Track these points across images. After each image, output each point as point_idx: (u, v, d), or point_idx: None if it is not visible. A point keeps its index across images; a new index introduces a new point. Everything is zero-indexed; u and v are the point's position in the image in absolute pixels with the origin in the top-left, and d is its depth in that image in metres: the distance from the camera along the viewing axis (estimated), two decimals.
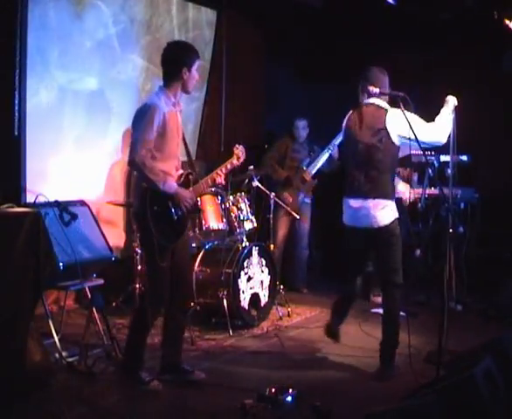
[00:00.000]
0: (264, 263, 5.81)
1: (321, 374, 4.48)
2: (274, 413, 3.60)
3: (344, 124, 4.62)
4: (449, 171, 5.30)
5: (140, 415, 3.74)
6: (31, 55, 5.24)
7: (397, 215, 4.44)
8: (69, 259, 4.41)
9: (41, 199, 4.42)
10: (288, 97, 8.03)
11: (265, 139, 7.85)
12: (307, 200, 7.10)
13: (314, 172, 6.69)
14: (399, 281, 4.41)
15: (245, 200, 5.91)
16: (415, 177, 6.64)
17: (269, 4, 7.18)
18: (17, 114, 5.23)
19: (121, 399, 3.90)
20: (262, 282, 5.77)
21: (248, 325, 5.53)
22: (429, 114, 4.40)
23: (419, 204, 6.20)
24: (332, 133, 5.51)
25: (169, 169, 4.03)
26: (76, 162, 5.80)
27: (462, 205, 6.35)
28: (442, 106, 4.46)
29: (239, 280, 5.51)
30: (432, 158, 6.18)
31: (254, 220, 5.92)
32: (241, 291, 5.52)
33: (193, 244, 5.73)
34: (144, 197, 3.95)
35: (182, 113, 4.17)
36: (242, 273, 5.55)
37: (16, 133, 5.25)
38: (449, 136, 4.52)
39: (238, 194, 5.92)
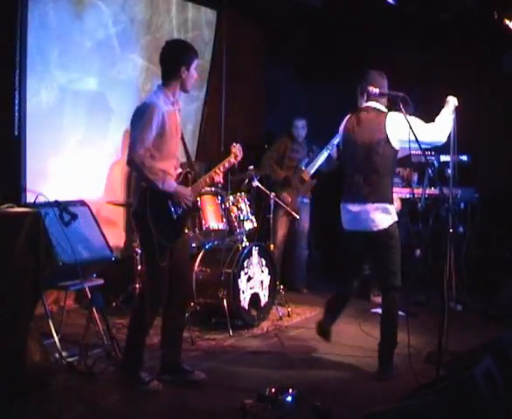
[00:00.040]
0: (264, 263, 5.81)
1: (321, 374, 4.48)
2: (274, 413, 3.60)
3: (342, 128, 4.62)
4: (449, 171, 5.31)
5: (140, 415, 3.74)
6: (31, 55, 5.24)
7: (396, 218, 4.45)
8: (69, 259, 4.41)
9: (41, 199, 4.42)
10: (288, 97, 8.04)
11: (265, 139, 7.86)
12: (306, 200, 7.11)
13: (312, 172, 6.70)
14: (398, 284, 4.41)
15: (245, 200, 5.91)
16: (415, 177, 6.64)
17: (269, 4, 7.18)
18: (17, 114, 5.23)
19: (121, 399, 3.90)
20: (262, 282, 5.77)
21: (248, 325, 5.53)
22: (429, 114, 4.40)
23: (419, 204, 6.20)
24: (332, 134, 5.51)
25: (168, 168, 4.03)
26: (76, 162, 5.80)
27: (462, 205, 6.35)
28: (442, 107, 4.46)
29: (239, 280, 5.51)
30: (432, 158, 6.18)
31: (254, 220, 5.92)
32: (241, 291, 5.52)
33: (193, 244, 5.73)
34: (144, 197, 3.94)
35: (181, 113, 4.17)
36: (242, 273, 5.55)
37: (16, 133, 5.26)
38: (449, 136, 4.53)
39: (238, 194, 5.92)
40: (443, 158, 6.18)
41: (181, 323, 4.27)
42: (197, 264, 5.64)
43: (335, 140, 5.53)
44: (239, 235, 5.77)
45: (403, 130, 4.24)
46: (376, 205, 4.36)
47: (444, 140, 4.40)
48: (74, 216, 4.52)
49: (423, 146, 4.20)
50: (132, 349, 4.09)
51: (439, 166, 6.18)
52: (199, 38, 6.91)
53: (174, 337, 4.22)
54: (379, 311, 4.73)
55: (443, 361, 3.95)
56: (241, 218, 5.78)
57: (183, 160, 4.37)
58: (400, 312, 4.53)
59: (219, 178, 4.26)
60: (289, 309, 6.03)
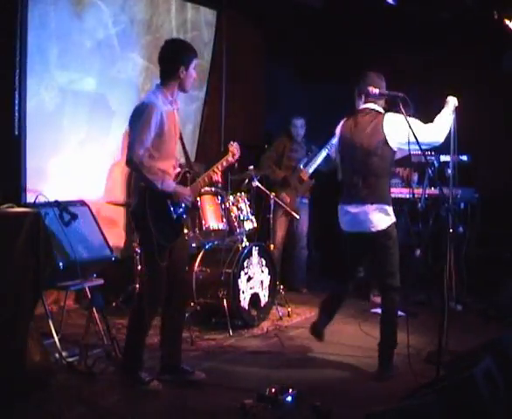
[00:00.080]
0: (264, 263, 5.81)
1: (321, 374, 4.48)
2: (274, 413, 3.60)
3: (339, 131, 4.61)
4: (449, 171, 5.31)
5: (140, 415, 3.74)
6: (31, 55, 5.24)
7: (394, 219, 4.45)
8: (69, 259, 4.41)
9: (41, 199, 4.42)
10: (288, 97, 8.04)
11: (264, 139, 7.85)
12: (305, 200, 7.11)
13: (311, 172, 6.71)
14: (397, 284, 4.41)
15: (245, 200, 5.91)
16: (415, 177, 6.64)
17: (269, 4, 7.18)
18: (17, 114, 5.23)
19: (121, 399, 3.90)
20: (262, 282, 5.78)
21: (248, 325, 5.53)
22: (429, 115, 4.40)
23: (419, 204, 6.20)
24: (331, 133, 5.48)
25: (167, 168, 4.02)
26: (76, 162, 5.80)
27: (462, 205, 6.35)
28: (442, 107, 4.46)
29: (239, 280, 5.51)
30: (432, 158, 6.18)
31: (254, 220, 5.92)
32: (241, 291, 5.52)
33: (193, 244, 5.73)
34: (143, 196, 3.94)
35: (180, 113, 4.17)
36: (242, 273, 5.55)
37: (16, 133, 5.26)
38: (449, 136, 4.53)
39: (238, 194, 5.92)
40: (443, 158, 6.18)
41: (180, 323, 4.27)
42: (197, 264, 5.64)
43: (334, 140, 5.53)
44: (239, 235, 5.77)
45: (400, 131, 4.26)
46: (374, 206, 4.36)
47: (441, 140, 4.41)
48: (74, 216, 4.52)
49: (413, 145, 4.21)
50: (131, 349, 4.09)
51: (439, 166, 6.18)
52: (198, 39, 6.91)
53: (173, 337, 4.22)
54: (379, 311, 4.74)
55: (443, 361, 3.95)
56: (241, 218, 5.78)
57: (183, 160, 4.37)
58: (400, 312, 4.53)
59: (217, 177, 4.26)
60: (289, 309, 6.03)
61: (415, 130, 4.15)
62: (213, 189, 5.73)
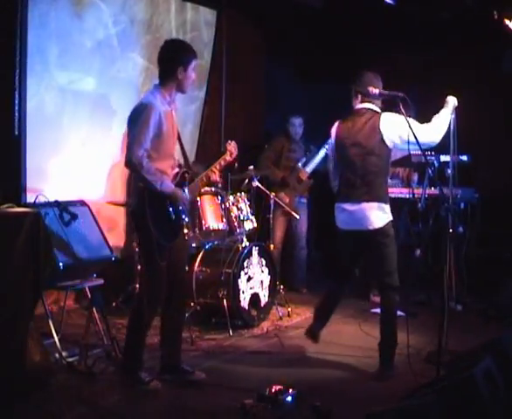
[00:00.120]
0: (264, 263, 5.81)
1: (321, 374, 4.48)
2: (274, 413, 3.60)
3: (334, 132, 4.61)
4: (449, 171, 5.30)
5: (140, 415, 3.74)
6: (31, 55, 5.24)
7: (391, 217, 4.45)
8: (69, 259, 4.41)
9: (41, 199, 4.42)
10: (288, 97, 8.03)
11: (264, 139, 7.85)
12: (304, 200, 7.11)
13: (310, 171, 6.71)
14: (395, 283, 4.41)
15: (245, 200, 5.91)
16: (415, 177, 6.64)
17: (269, 4, 7.18)
18: (17, 114, 5.23)
19: (121, 399, 3.90)
20: (262, 282, 5.78)
21: (248, 325, 5.53)
22: (429, 115, 4.41)
23: (419, 204, 6.20)
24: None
25: (166, 168, 4.02)
26: (76, 162, 5.80)
27: (462, 205, 6.34)
28: (442, 107, 4.46)
29: (239, 280, 5.51)
30: (432, 158, 6.18)
31: (254, 220, 5.93)
32: (241, 291, 5.52)
33: (193, 244, 5.73)
34: (142, 196, 3.93)
35: (180, 113, 4.17)
36: (242, 273, 5.55)
37: (16, 132, 5.26)
38: (449, 136, 4.53)
39: (238, 194, 5.92)
40: (443, 158, 6.17)
41: (180, 323, 4.27)
42: (197, 264, 5.64)
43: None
44: (239, 235, 5.77)
45: (396, 130, 4.30)
46: (371, 204, 4.37)
47: (437, 141, 4.41)
48: (74, 216, 4.52)
49: (416, 146, 4.21)
50: (131, 349, 4.09)
51: (439, 166, 6.18)
52: (198, 39, 6.90)
53: (173, 337, 4.22)
54: (379, 311, 4.74)
55: (443, 361, 3.95)
56: (241, 218, 5.79)
57: (182, 160, 4.37)
58: (400, 312, 4.54)
59: (216, 177, 4.27)
60: (289, 309, 6.02)
61: (411, 129, 4.16)
62: (213, 189, 5.73)
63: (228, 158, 4.34)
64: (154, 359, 4.29)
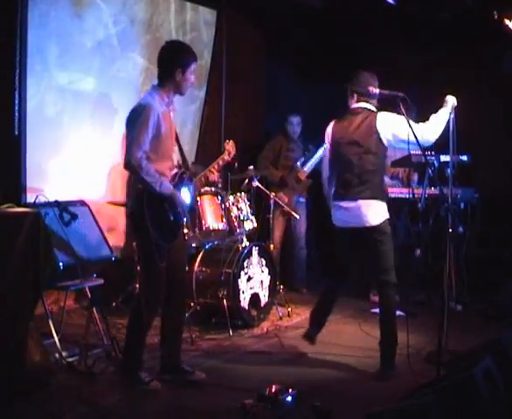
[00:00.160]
0: (264, 263, 5.81)
1: (321, 374, 4.48)
2: (274, 413, 3.60)
3: (330, 131, 4.62)
4: (449, 171, 5.30)
5: (140, 415, 3.74)
6: (31, 55, 5.24)
7: (387, 215, 4.46)
8: (69, 259, 4.40)
9: (41, 199, 4.42)
10: (288, 97, 8.03)
11: (264, 139, 7.85)
12: (302, 199, 7.11)
13: (308, 171, 6.70)
14: (393, 280, 4.41)
15: (245, 200, 5.91)
16: (415, 177, 6.64)
17: (269, 4, 7.18)
18: (17, 114, 5.23)
19: (121, 399, 3.90)
20: (262, 282, 5.78)
21: (248, 325, 5.53)
22: (429, 115, 4.41)
23: (419, 204, 6.20)
24: None
25: (164, 170, 4.01)
26: (76, 162, 5.80)
27: (462, 205, 6.34)
28: (441, 106, 4.46)
29: (239, 280, 5.51)
30: (432, 158, 6.17)
31: (254, 220, 5.93)
32: (241, 291, 5.52)
33: (193, 244, 5.73)
34: (141, 197, 3.93)
35: (178, 114, 4.16)
36: (242, 273, 5.55)
37: (16, 132, 5.26)
38: (449, 136, 4.53)
39: (238, 194, 5.92)
40: (443, 158, 6.17)
41: (180, 323, 4.27)
42: (197, 264, 5.64)
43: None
44: (239, 235, 5.77)
45: (391, 128, 4.33)
46: (368, 201, 4.39)
47: (432, 141, 4.42)
48: (74, 216, 4.52)
49: (412, 145, 4.22)
50: (131, 349, 4.09)
51: (439, 166, 6.17)
52: (198, 40, 6.90)
53: (173, 337, 4.22)
54: (378, 311, 4.74)
55: (443, 361, 3.96)
56: (241, 218, 5.79)
57: (181, 161, 4.37)
58: (400, 312, 4.54)
59: (214, 176, 4.27)
60: (289, 309, 6.02)
61: (405, 129, 4.17)
62: (213, 189, 5.73)
63: (226, 157, 4.34)
64: (154, 359, 4.29)
